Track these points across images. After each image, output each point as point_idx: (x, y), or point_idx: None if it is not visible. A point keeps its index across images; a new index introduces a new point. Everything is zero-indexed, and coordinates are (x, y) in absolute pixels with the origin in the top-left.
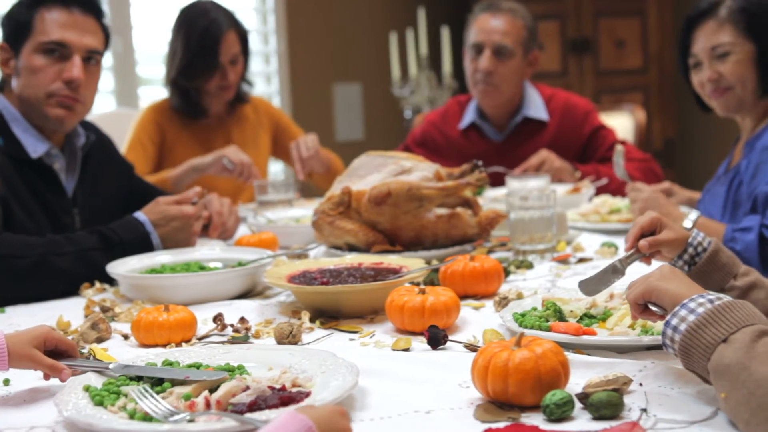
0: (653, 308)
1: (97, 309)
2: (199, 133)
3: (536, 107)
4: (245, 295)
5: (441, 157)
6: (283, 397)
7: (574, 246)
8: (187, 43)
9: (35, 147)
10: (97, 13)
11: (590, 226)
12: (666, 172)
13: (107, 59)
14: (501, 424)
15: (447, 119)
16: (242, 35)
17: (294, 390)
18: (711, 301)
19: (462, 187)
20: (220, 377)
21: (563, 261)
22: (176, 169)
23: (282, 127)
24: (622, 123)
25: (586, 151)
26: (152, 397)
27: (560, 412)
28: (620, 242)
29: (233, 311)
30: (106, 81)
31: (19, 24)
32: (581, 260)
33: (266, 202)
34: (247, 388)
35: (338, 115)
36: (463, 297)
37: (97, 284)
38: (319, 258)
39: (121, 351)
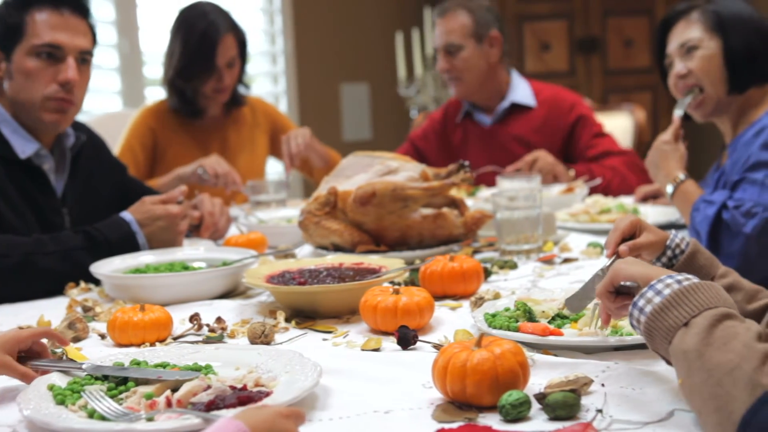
0: (626, 284)
1: (79, 309)
2: (196, 135)
3: (524, 95)
4: (227, 295)
5: (438, 149)
6: (241, 397)
7: (561, 246)
8: (185, 44)
9: (24, 148)
10: (86, 13)
11: (579, 227)
12: None
13: (114, 59)
14: (455, 425)
15: (447, 115)
16: (240, 39)
17: (255, 390)
18: (679, 282)
19: (447, 187)
20: (188, 377)
21: (548, 261)
22: (164, 178)
23: (279, 125)
24: (621, 123)
25: (570, 139)
26: (103, 398)
27: (516, 413)
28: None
29: (213, 311)
30: (113, 81)
31: (9, 26)
32: (566, 260)
33: (259, 202)
34: (209, 387)
35: (345, 115)
36: (443, 297)
37: (82, 284)
38: (306, 258)
39: (95, 350)
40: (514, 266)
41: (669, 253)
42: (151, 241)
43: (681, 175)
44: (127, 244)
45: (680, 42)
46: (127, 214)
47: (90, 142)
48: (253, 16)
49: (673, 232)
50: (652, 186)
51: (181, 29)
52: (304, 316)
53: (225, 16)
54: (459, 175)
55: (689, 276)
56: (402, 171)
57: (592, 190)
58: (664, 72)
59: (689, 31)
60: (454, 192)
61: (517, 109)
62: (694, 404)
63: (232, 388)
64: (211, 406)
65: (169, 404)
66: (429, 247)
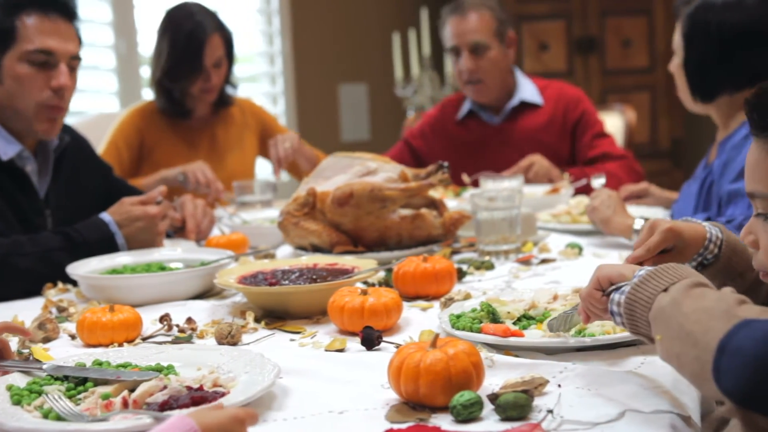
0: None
1: (54, 309)
2: (184, 135)
3: (531, 92)
4: (203, 295)
5: (441, 148)
6: (195, 397)
7: (540, 247)
8: (172, 45)
9: (5, 149)
10: (73, 17)
11: (560, 227)
12: (674, 171)
13: (111, 60)
14: (405, 425)
15: (445, 112)
16: (227, 39)
17: (211, 390)
18: (657, 266)
19: (425, 188)
20: (146, 377)
21: (525, 262)
22: (148, 178)
23: (268, 127)
24: (612, 123)
25: (574, 135)
26: (60, 398)
27: (467, 413)
28: (585, 243)
29: (186, 311)
30: (110, 82)
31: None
32: (544, 261)
33: (245, 203)
34: (165, 387)
35: (344, 116)
36: (415, 298)
37: (60, 285)
38: (285, 259)
39: (63, 351)
40: (490, 267)
41: (699, 258)
42: (130, 242)
43: (636, 224)
44: (105, 245)
45: (674, 38)
46: (106, 215)
47: (74, 143)
48: (250, 16)
49: (708, 234)
50: (638, 186)
51: (167, 30)
52: (276, 316)
53: (211, 16)
54: (437, 176)
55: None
56: (381, 172)
57: (578, 191)
58: None
59: (676, 32)
60: (439, 192)
61: (524, 107)
62: (674, 352)
63: (189, 388)
64: (165, 406)
65: (125, 404)
66: (408, 247)
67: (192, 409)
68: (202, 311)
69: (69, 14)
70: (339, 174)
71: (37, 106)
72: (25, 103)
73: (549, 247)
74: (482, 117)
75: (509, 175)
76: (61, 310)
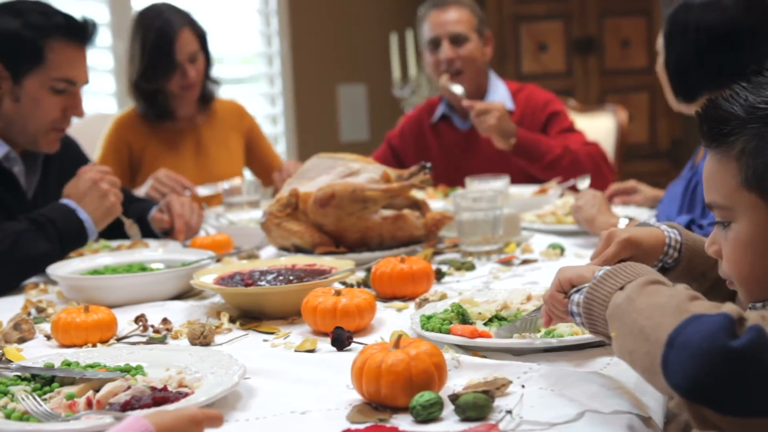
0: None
1: (33, 310)
2: (169, 138)
3: (501, 97)
4: (183, 296)
5: (418, 151)
6: (157, 398)
7: (523, 247)
8: (143, 45)
9: None
10: (92, 45)
11: (545, 228)
12: (673, 172)
13: (108, 61)
14: (362, 426)
15: (422, 116)
16: (199, 33)
17: (175, 390)
18: (616, 265)
19: (407, 188)
20: (111, 377)
21: (507, 263)
22: (140, 189)
23: (254, 134)
24: (604, 124)
25: (544, 133)
26: (33, 398)
27: (426, 414)
28: (569, 243)
29: (164, 312)
30: (107, 83)
31: (25, 48)
32: (525, 262)
33: (233, 204)
34: (129, 388)
35: (343, 116)
36: (392, 298)
37: (41, 285)
38: (268, 259)
39: (37, 351)
40: (471, 267)
41: (659, 264)
42: (89, 211)
43: (621, 222)
44: (68, 218)
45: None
46: (62, 199)
47: (64, 144)
48: (249, 17)
49: (667, 239)
50: (627, 183)
51: (138, 31)
52: (252, 317)
53: (181, 13)
54: (419, 176)
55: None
56: (363, 173)
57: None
58: None
59: (660, 34)
60: (427, 192)
61: None
62: (626, 348)
63: (153, 389)
64: (127, 406)
65: (89, 405)
66: (390, 248)
67: (152, 410)
68: (180, 312)
69: (92, 44)
70: (322, 175)
71: (47, 127)
72: (37, 125)
73: (532, 247)
74: (454, 121)
75: (468, 105)
76: (39, 310)
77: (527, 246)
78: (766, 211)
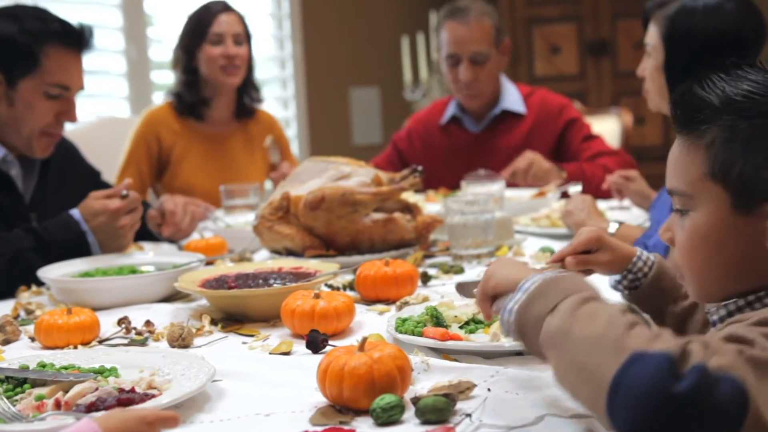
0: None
1: (22, 311)
2: (198, 139)
3: (514, 101)
4: (172, 298)
5: (425, 153)
6: (122, 399)
7: (515, 251)
8: (187, 21)
9: None
10: (89, 51)
11: (538, 231)
12: None
13: (121, 65)
14: (321, 428)
15: (430, 117)
16: (246, 27)
17: (143, 392)
18: (544, 277)
19: (397, 192)
20: (81, 379)
21: None
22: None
23: (279, 145)
24: (609, 127)
25: (561, 143)
26: (2, 400)
27: (386, 416)
28: (561, 247)
29: (149, 314)
30: (120, 87)
31: (21, 53)
32: None
33: (232, 207)
34: (97, 389)
35: (355, 119)
36: (376, 301)
37: (34, 287)
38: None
39: (18, 353)
40: (460, 271)
41: (630, 276)
42: (97, 237)
43: (611, 227)
44: (75, 243)
45: (645, 40)
46: (75, 211)
47: (62, 148)
48: (262, 21)
49: (639, 252)
50: (629, 172)
51: (186, 22)
52: (235, 320)
53: (226, 4)
54: (409, 180)
55: (559, 270)
56: (354, 176)
57: (565, 194)
58: None
59: (650, 32)
60: (427, 195)
61: (507, 116)
62: (568, 383)
63: (121, 390)
64: (92, 407)
65: (57, 406)
66: (380, 251)
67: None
68: (165, 314)
69: (89, 50)
70: (314, 178)
71: (40, 132)
72: (30, 128)
73: (523, 251)
74: (464, 124)
75: (507, 175)
76: (28, 312)
77: (519, 249)
78: (728, 205)
